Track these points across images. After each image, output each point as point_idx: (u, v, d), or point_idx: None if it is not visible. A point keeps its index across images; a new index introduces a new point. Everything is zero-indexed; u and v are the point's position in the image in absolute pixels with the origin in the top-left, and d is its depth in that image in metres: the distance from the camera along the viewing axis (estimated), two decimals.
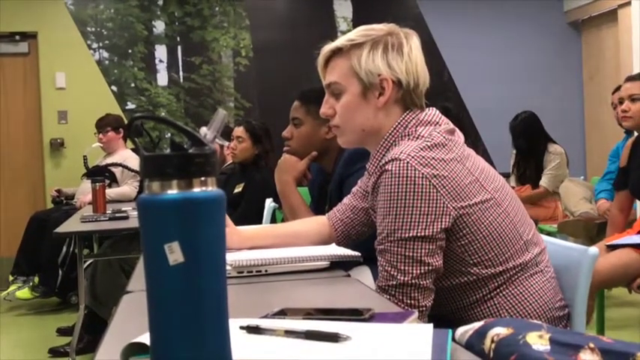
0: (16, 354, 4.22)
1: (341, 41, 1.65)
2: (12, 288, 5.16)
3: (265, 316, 1.10)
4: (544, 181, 4.87)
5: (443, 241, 1.48)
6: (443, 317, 1.53)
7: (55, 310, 5.24)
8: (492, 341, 1.01)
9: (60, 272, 5.04)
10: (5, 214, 6.34)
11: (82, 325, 3.67)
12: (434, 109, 1.66)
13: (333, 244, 1.81)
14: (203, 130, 0.77)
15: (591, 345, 0.96)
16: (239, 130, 4.32)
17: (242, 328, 0.99)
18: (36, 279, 5.10)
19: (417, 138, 1.56)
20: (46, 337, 4.40)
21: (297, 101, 2.47)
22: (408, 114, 1.62)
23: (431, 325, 0.98)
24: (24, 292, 5.09)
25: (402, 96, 1.62)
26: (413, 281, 1.46)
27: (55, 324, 4.60)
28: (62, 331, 4.40)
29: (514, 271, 1.54)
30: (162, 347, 0.67)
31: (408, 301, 1.46)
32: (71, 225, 3.70)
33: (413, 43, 1.63)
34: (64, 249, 5.03)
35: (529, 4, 6.90)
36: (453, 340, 1.01)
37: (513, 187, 4.83)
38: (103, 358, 0.97)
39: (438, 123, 1.61)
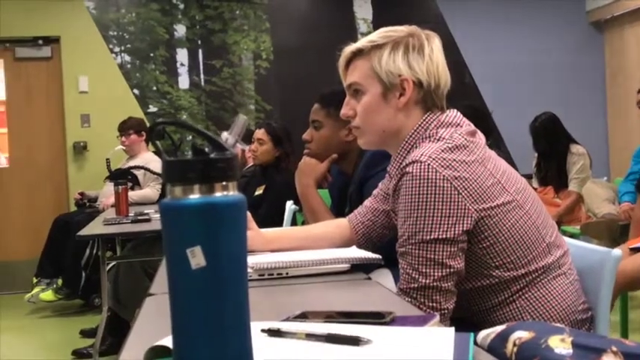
0: (39, 356, 4.27)
1: (362, 42, 1.65)
2: (36, 290, 5.21)
3: (286, 319, 1.10)
4: (574, 186, 4.80)
5: (464, 244, 1.48)
6: (465, 320, 1.53)
7: (79, 312, 5.29)
8: (514, 345, 1.00)
9: (83, 274, 5.09)
10: (29, 216, 6.41)
11: (105, 327, 3.69)
12: (455, 110, 1.65)
13: (354, 247, 1.81)
14: (224, 134, 0.77)
15: (614, 348, 0.95)
16: (260, 133, 4.33)
17: (263, 331, 0.99)
18: (59, 281, 5.15)
19: (438, 140, 1.56)
20: (70, 339, 4.44)
21: (317, 104, 2.48)
22: (429, 115, 1.62)
23: (452, 329, 0.98)
24: (48, 295, 5.14)
25: (423, 97, 1.62)
26: (434, 284, 1.45)
27: (78, 326, 4.64)
28: (85, 333, 4.44)
29: (536, 274, 1.53)
30: (185, 350, 0.68)
31: (430, 304, 1.46)
32: (94, 228, 3.73)
33: (434, 45, 1.63)
34: (87, 251, 5.08)
35: (551, 4, 6.85)
36: (475, 343, 1.01)
37: (535, 189, 4.79)
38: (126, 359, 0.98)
39: (459, 124, 1.60)
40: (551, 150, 4.97)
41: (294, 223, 3.74)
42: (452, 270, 1.46)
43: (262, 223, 1.95)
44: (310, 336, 0.97)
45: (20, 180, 6.44)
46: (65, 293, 5.14)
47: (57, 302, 5.24)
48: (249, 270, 1.53)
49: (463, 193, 1.46)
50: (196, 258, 0.65)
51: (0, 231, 6.38)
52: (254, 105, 6.66)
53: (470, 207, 1.46)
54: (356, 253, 1.69)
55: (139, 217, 3.67)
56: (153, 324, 1.18)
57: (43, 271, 5.33)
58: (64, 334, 4.67)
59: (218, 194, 0.67)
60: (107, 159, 5.44)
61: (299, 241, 1.86)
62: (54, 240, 5.37)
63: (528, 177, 4.93)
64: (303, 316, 1.11)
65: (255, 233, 1.81)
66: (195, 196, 0.66)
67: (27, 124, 6.45)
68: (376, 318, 1.08)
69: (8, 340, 4.76)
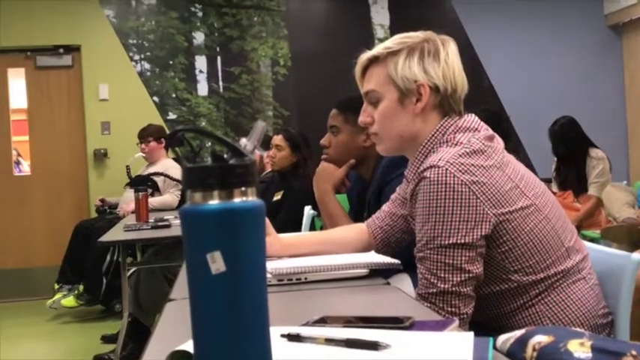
0: None
1: (377, 49, 1.66)
2: (57, 296, 5.26)
3: (305, 324, 1.10)
4: (593, 190, 4.76)
5: (483, 248, 1.48)
6: (484, 325, 1.52)
7: (100, 317, 5.33)
8: (534, 349, 1.00)
9: (104, 280, 5.13)
10: (50, 223, 6.47)
11: (126, 333, 3.72)
12: (472, 115, 1.65)
13: (373, 252, 1.81)
14: (243, 141, 0.78)
15: (633, 352, 0.95)
16: (278, 139, 4.35)
17: (283, 336, 1.00)
18: (81, 287, 5.20)
19: (456, 144, 1.56)
20: (91, 344, 4.47)
21: (334, 109, 2.48)
22: (446, 120, 1.62)
23: (471, 334, 0.98)
24: (69, 301, 5.18)
25: (440, 102, 1.62)
26: (453, 289, 1.45)
27: (99, 332, 4.68)
28: (106, 339, 4.47)
29: (556, 278, 1.52)
30: (205, 354, 0.69)
31: (449, 309, 1.46)
32: (115, 234, 3.76)
33: (450, 49, 1.63)
34: (108, 257, 5.11)
35: (569, 7, 6.81)
36: (495, 348, 1.01)
37: (555, 193, 4.76)
38: None
39: (477, 129, 1.60)
40: (570, 154, 4.94)
41: (312, 228, 3.75)
42: (470, 275, 1.46)
43: (281, 229, 1.96)
44: (330, 341, 0.97)
45: (42, 187, 6.51)
46: (86, 299, 5.18)
47: (78, 308, 5.28)
48: (268, 275, 1.54)
49: (481, 198, 1.46)
50: (216, 263, 0.66)
51: (22, 238, 6.44)
52: (272, 111, 6.68)
53: (488, 211, 1.46)
54: (374, 258, 1.70)
55: (159, 223, 3.70)
56: (173, 329, 1.19)
57: (65, 277, 5.38)
58: (85, 339, 4.70)
59: (237, 200, 0.68)
60: (127, 166, 5.49)
61: (317, 246, 1.86)
62: (75, 246, 5.41)
63: (547, 181, 4.90)
64: (323, 321, 1.12)
65: (274, 238, 1.82)
66: (214, 202, 0.67)
67: (48, 132, 6.52)
68: (395, 323, 1.08)
69: (30, 345, 4.80)
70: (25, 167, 6.87)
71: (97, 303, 5.30)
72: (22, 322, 5.43)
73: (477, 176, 1.47)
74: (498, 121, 4.05)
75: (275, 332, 0.91)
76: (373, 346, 0.94)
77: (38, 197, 6.51)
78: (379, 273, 1.65)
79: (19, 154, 6.97)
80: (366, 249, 1.85)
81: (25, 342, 4.89)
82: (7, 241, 6.42)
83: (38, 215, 6.49)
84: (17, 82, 6.54)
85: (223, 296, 0.66)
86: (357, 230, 1.92)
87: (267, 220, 1.75)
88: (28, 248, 6.44)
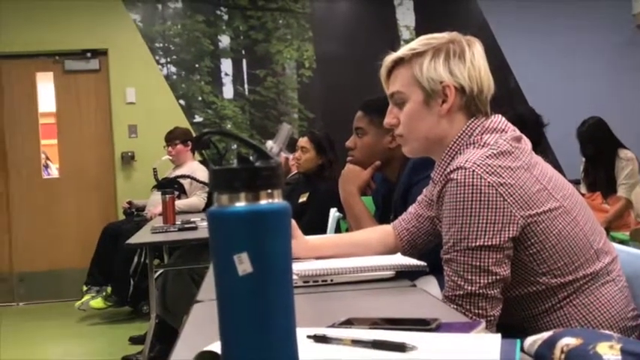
0: None
1: (403, 51, 1.65)
2: (86, 298, 5.31)
3: (332, 326, 1.11)
4: (623, 192, 4.70)
5: (510, 250, 1.47)
6: (511, 327, 1.51)
7: (127, 319, 5.38)
8: (562, 352, 0.99)
9: (132, 282, 5.17)
10: (79, 226, 6.54)
11: (154, 335, 3.75)
12: (499, 115, 1.64)
13: (399, 254, 1.80)
14: (269, 143, 0.79)
15: None
16: (303, 141, 4.36)
17: (309, 337, 1.00)
18: (109, 289, 5.25)
19: (483, 146, 1.55)
20: (119, 345, 4.51)
21: (360, 111, 2.48)
22: (472, 121, 1.61)
23: (499, 335, 0.97)
24: (97, 302, 5.24)
25: (466, 103, 1.61)
26: (480, 291, 1.45)
27: (127, 333, 4.72)
28: (134, 340, 4.51)
29: (584, 281, 1.51)
30: (233, 356, 0.69)
31: (476, 311, 1.45)
32: (142, 236, 3.79)
33: (475, 50, 1.62)
34: (136, 259, 5.16)
35: (596, 7, 6.74)
36: (522, 350, 1.00)
37: (583, 195, 4.71)
38: None
39: (504, 130, 1.59)
40: (599, 155, 4.88)
41: (338, 230, 3.74)
42: (498, 277, 1.45)
43: (306, 230, 1.96)
44: (356, 342, 0.97)
45: (70, 190, 6.59)
46: (114, 301, 5.23)
47: (106, 310, 5.34)
48: (294, 277, 1.54)
49: (509, 200, 1.45)
50: (243, 264, 0.66)
51: (51, 240, 6.52)
52: (297, 114, 6.70)
53: (516, 213, 1.45)
54: (401, 260, 1.69)
55: (186, 226, 3.72)
56: (200, 330, 1.20)
57: (93, 279, 5.44)
58: (113, 340, 4.75)
59: (263, 202, 0.68)
60: (154, 168, 5.54)
61: (343, 248, 1.86)
62: (103, 248, 5.47)
63: (576, 182, 4.85)
64: (349, 323, 1.12)
65: (300, 240, 1.82)
66: (241, 204, 0.68)
67: (76, 136, 6.60)
68: (422, 325, 1.08)
69: (59, 347, 4.86)
70: (54, 170, 6.96)
71: (125, 304, 5.35)
72: (51, 323, 5.50)
73: (504, 178, 1.46)
74: (525, 121, 4.00)
75: (301, 333, 0.91)
76: (400, 347, 0.93)
77: (67, 200, 6.59)
78: (405, 275, 1.65)
79: (47, 158, 7.06)
80: (391, 251, 1.85)
81: (54, 343, 4.95)
82: (36, 243, 6.51)
83: (66, 218, 6.57)
84: (46, 86, 6.64)
85: (250, 297, 0.67)
86: (382, 232, 1.92)
87: (293, 222, 1.75)
88: (57, 251, 6.52)
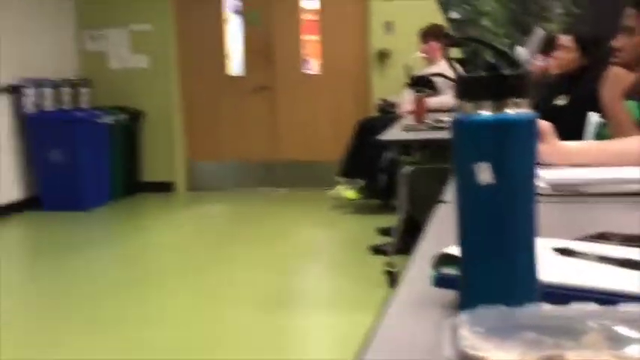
0: (334, 249, 4.66)
1: None
2: (339, 188, 5.63)
3: (581, 239, 1.06)
4: None
5: None
6: None
7: (377, 211, 5.62)
8: None
9: (382, 177, 5.36)
10: (335, 120, 6.86)
11: (400, 228, 3.88)
12: None
13: None
14: (520, 50, 0.75)
15: None
16: (566, 40, 4.08)
17: (555, 250, 0.97)
18: (362, 182, 5.50)
19: None
20: (366, 235, 4.76)
21: (630, 8, 2.27)
22: None
23: None
24: (351, 193, 5.53)
25: None
26: None
27: (374, 223, 4.95)
28: (381, 231, 4.71)
29: None
30: (471, 265, 0.70)
31: None
32: (393, 133, 3.88)
33: None
34: (387, 155, 5.32)
35: None
36: None
37: None
38: (417, 262, 1.03)
39: None
40: None
41: (597, 137, 3.53)
42: None
43: (562, 136, 1.88)
44: (603, 259, 0.92)
45: (328, 86, 6.89)
46: (366, 193, 5.48)
47: (357, 201, 5.62)
48: (544, 185, 1.49)
49: None
50: (484, 174, 0.66)
51: (309, 133, 6.94)
52: (561, 9, 6.26)
53: None
54: None
55: (436, 125, 3.74)
56: (443, 231, 1.22)
57: (346, 170, 5.73)
58: (361, 230, 5.02)
59: (509, 111, 0.66)
60: (406, 65, 5.57)
61: (601, 157, 1.76)
62: (356, 143, 5.71)
63: None
64: (600, 237, 1.07)
65: (555, 145, 1.75)
66: (485, 113, 0.66)
67: (336, 33, 6.82)
68: None
69: (311, 231, 5.25)
70: (315, 66, 7.29)
71: (375, 197, 5.58)
72: (305, 210, 5.93)
73: None
74: None
75: (545, 244, 0.89)
76: None
77: (325, 96, 6.91)
78: None
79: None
80: None
81: (307, 228, 5.35)
82: (293, 134, 6.97)
83: (324, 113, 6.91)
84: None
85: (489, 208, 0.66)
86: None
87: (549, 126, 1.68)
88: (314, 143, 6.93)
